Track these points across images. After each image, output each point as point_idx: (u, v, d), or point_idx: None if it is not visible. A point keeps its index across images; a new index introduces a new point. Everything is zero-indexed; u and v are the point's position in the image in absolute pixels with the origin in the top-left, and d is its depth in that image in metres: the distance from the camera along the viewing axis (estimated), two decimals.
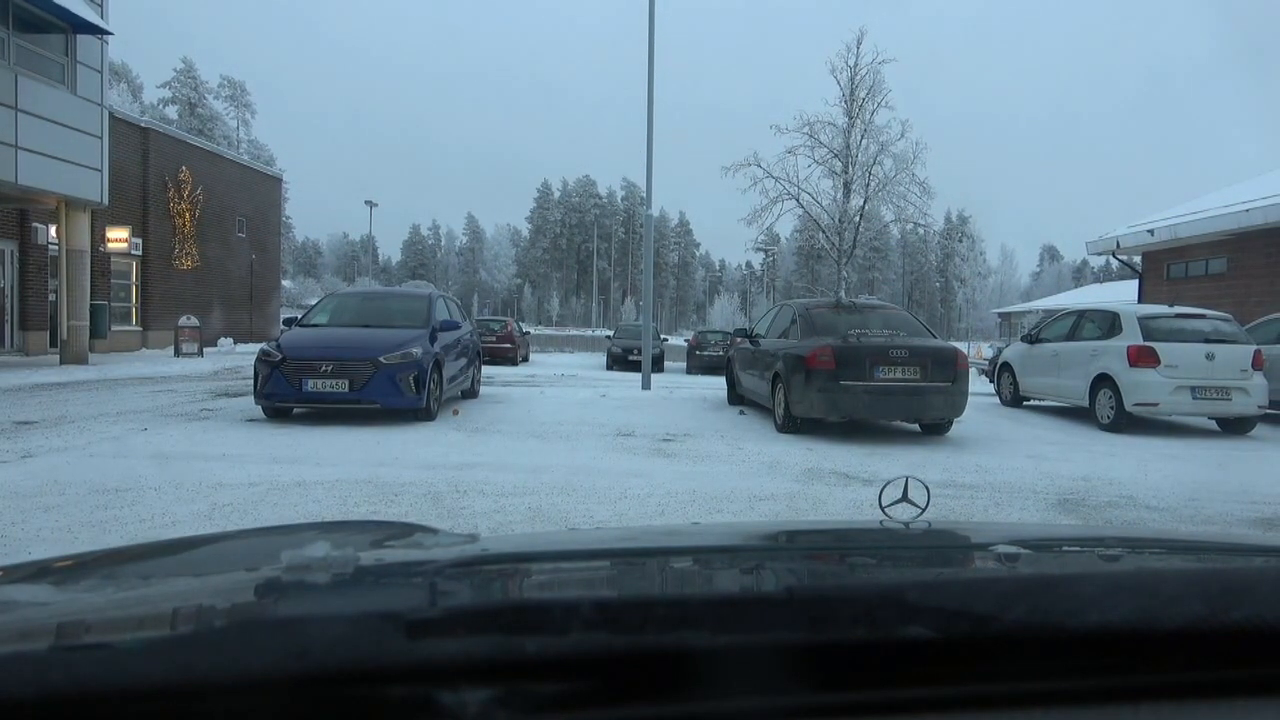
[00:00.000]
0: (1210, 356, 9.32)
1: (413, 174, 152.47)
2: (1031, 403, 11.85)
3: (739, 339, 11.52)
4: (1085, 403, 10.08)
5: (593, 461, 6.72)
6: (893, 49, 28.25)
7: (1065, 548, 1.13)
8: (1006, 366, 12.19)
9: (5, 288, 18.41)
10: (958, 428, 9.01)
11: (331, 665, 0.54)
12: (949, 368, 8.40)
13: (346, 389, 8.33)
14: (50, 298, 18.83)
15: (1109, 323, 10.18)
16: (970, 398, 8.90)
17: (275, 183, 32.87)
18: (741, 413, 10.38)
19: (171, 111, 66.79)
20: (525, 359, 26.62)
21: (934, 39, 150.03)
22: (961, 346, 12.64)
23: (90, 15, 15.01)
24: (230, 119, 72.22)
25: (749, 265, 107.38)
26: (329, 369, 8.32)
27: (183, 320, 20.27)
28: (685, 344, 29.03)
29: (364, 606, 0.68)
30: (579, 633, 0.59)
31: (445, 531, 1.05)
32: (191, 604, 0.80)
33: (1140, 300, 18.13)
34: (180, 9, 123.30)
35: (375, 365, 8.37)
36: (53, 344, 17.99)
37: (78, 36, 15.16)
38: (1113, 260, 22.92)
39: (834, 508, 5.40)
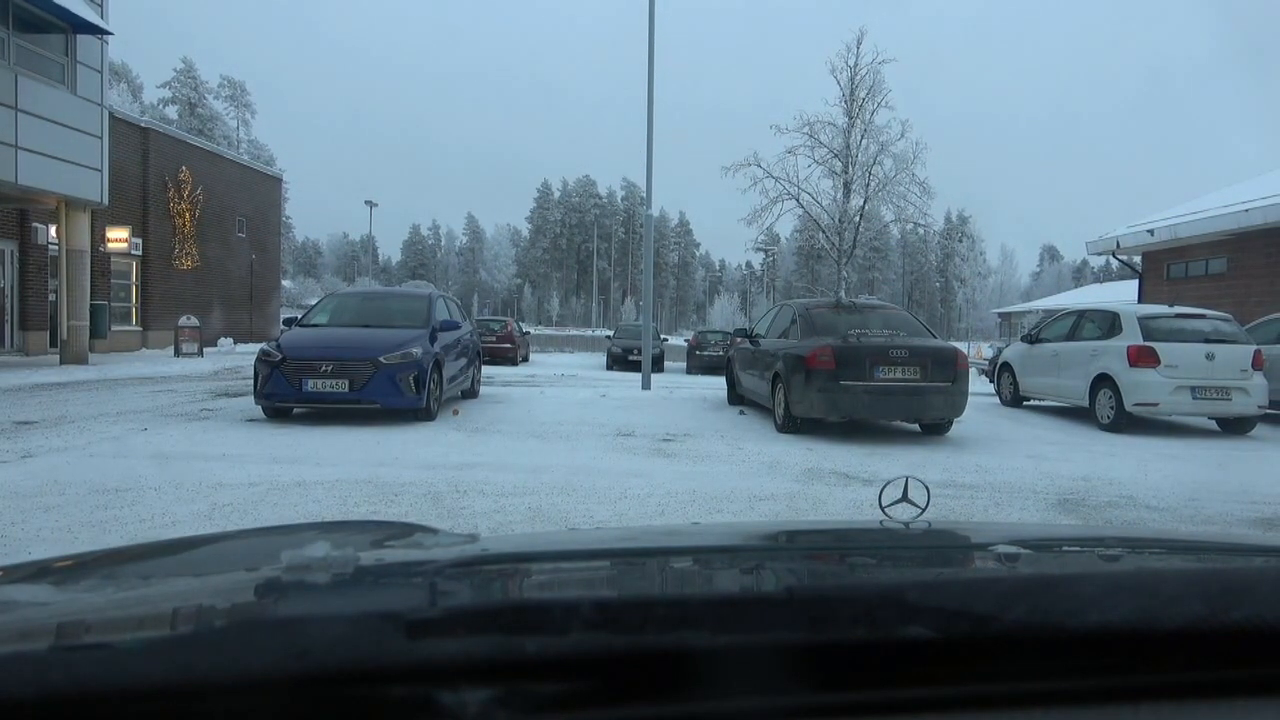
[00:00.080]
0: (1210, 356, 9.32)
1: (413, 174, 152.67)
2: (1031, 403, 11.85)
3: (739, 339, 11.52)
4: (1085, 403, 10.08)
5: (593, 461, 6.72)
6: (893, 49, 28.30)
7: (1065, 548, 1.13)
8: (1006, 366, 12.19)
9: (5, 288, 18.41)
10: (958, 428, 9.01)
11: (331, 665, 0.54)
12: (949, 368, 8.40)
13: (346, 389, 8.33)
14: (50, 298, 18.83)
15: (1109, 323, 10.18)
16: (970, 398, 8.90)
17: (275, 183, 32.87)
18: (741, 413, 10.38)
19: (171, 111, 66.80)
20: (525, 359, 26.62)
21: (934, 39, 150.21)
22: (961, 346, 12.64)
23: (90, 15, 15.01)
24: (230, 119, 72.27)
25: (749, 265, 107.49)
26: (329, 369, 8.32)
27: (183, 320, 20.27)
28: (685, 344, 29.03)
29: (364, 606, 0.68)
30: (579, 633, 0.59)
31: (445, 531, 1.05)
32: (191, 604, 0.80)
33: (1140, 300, 18.13)
34: (180, 9, 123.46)
35: (375, 365, 8.37)
36: (53, 344, 17.99)
37: (78, 36, 15.16)
38: (1113, 260, 22.92)
39: (834, 508, 5.40)
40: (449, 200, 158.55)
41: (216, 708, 0.52)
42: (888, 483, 1.22)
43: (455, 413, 9.52)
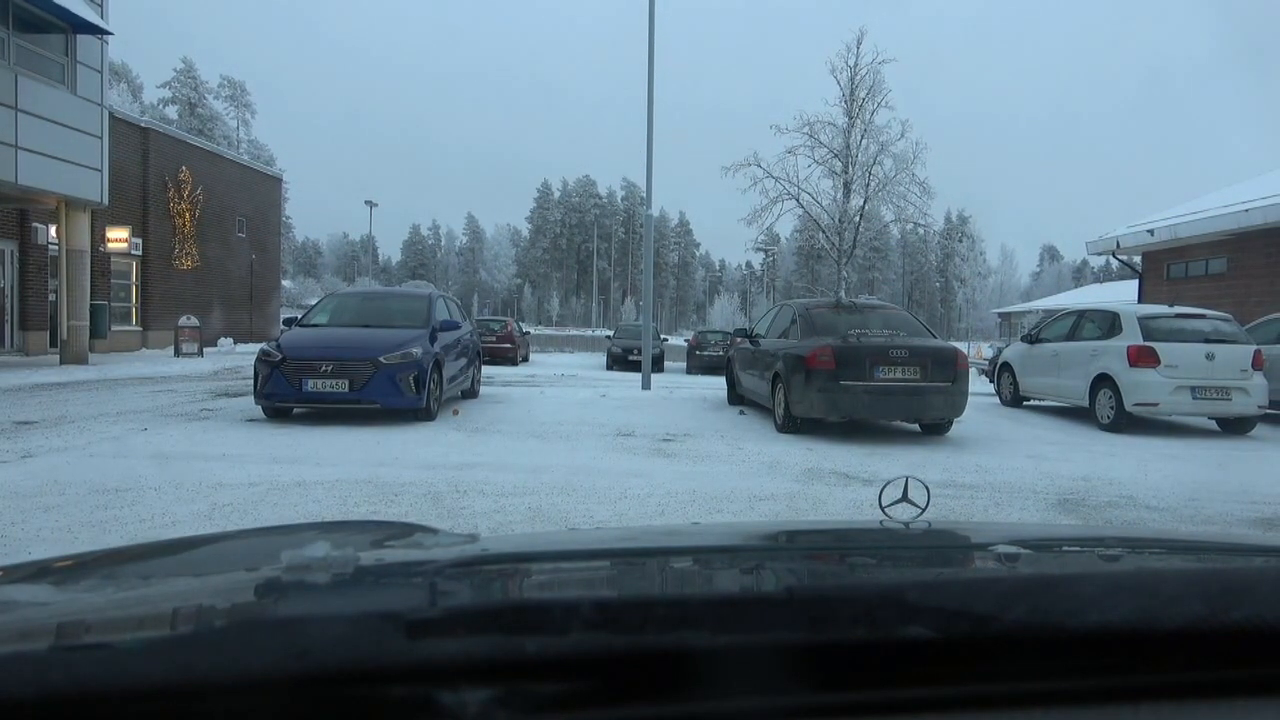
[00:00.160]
0: (1210, 356, 9.32)
1: (413, 174, 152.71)
2: (1031, 403, 11.85)
3: (739, 339, 11.52)
4: (1085, 403, 10.08)
5: (593, 461, 6.72)
6: (893, 49, 28.28)
7: (1065, 548, 1.13)
8: (1006, 366, 12.19)
9: (5, 288, 18.41)
10: (958, 428, 9.01)
11: (331, 665, 0.54)
12: (949, 368, 8.40)
13: (346, 389, 8.33)
14: (50, 298, 18.83)
15: (1109, 323, 10.18)
16: (970, 398, 8.90)
17: (275, 183, 32.88)
18: (741, 413, 10.38)
19: (171, 111, 66.80)
20: (525, 359, 26.62)
21: (934, 39, 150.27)
22: (961, 346, 12.64)
23: (90, 15, 15.01)
24: (230, 119, 72.27)
25: (749, 265, 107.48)
26: (329, 369, 8.32)
27: (183, 320, 20.27)
28: (685, 344, 29.03)
29: (364, 606, 0.68)
30: (579, 633, 0.59)
31: (445, 531, 1.05)
32: (191, 604, 0.80)
33: (1140, 300, 18.13)
34: (180, 9, 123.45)
35: (375, 365, 8.37)
36: (53, 344, 18.00)
37: (78, 36, 15.16)
38: (1113, 260, 22.92)
39: (834, 508, 5.40)
40: (449, 200, 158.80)
41: (216, 708, 0.52)
42: (888, 483, 1.22)
43: (455, 413, 9.52)
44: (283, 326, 10.08)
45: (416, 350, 8.67)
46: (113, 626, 0.71)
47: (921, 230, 48.93)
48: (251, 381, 8.84)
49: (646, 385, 14.04)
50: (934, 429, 8.92)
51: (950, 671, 0.60)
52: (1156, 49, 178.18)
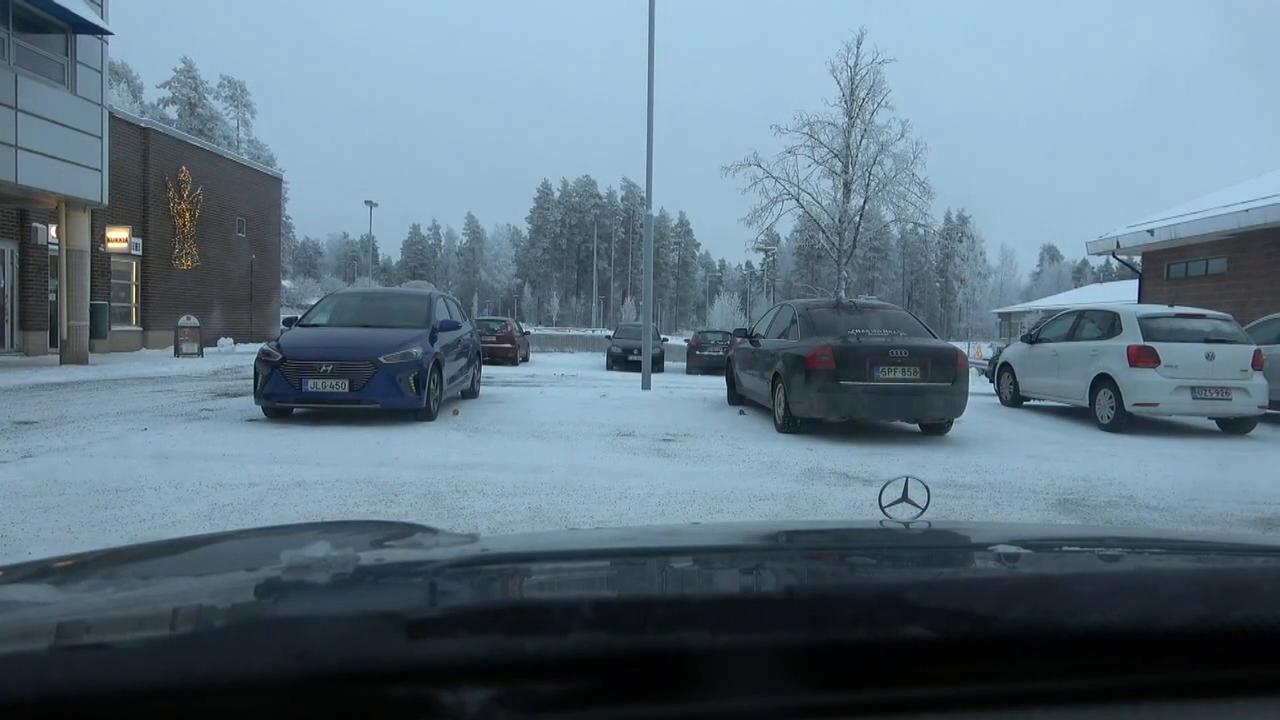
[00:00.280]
0: (1210, 356, 9.32)
1: (413, 174, 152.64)
2: (1031, 403, 11.85)
3: (739, 339, 11.52)
4: (1085, 403, 10.08)
5: (593, 461, 6.72)
6: (893, 49, 28.28)
7: (1065, 548, 1.13)
8: (1006, 366, 12.19)
9: (5, 288, 18.41)
10: (958, 428, 9.01)
11: (331, 665, 0.54)
12: (949, 368, 8.40)
13: (346, 389, 8.33)
14: (50, 298, 18.83)
15: (1109, 323, 10.18)
16: (970, 398, 8.90)
17: (275, 183, 32.87)
18: (741, 413, 10.38)
19: (171, 111, 66.79)
20: (525, 359, 26.62)
21: (934, 39, 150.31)
22: (961, 346, 12.64)
23: (90, 15, 15.01)
24: (230, 119, 72.26)
25: (749, 265, 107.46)
26: (329, 369, 8.32)
27: (183, 320, 20.27)
28: (685, 344, 29.03)
29: (364, 606, 0.68)
30: (579, 633, 0.59)
31: (445, 531, 1.05)
32: (191, 604, 0.80)
33: (1140, 300, 18.13)
34: (180, 9, 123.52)
35: (375, 365, 8.37)
36: (53, 344, 18.00)
37: (78, 36, 15.16)
38: (1113, 260, 22.92)
39: (834, 508, 5.40)
40: (449, 200, 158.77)
41: (216, 708, 0.52)
42: (888, 483, 1.22)
43: (455, 413, 9.52)
44: (283, 326, 10.07)
45: (416, 350, 8.67)
46: (113, 626, 0.71)
47: (921, 230, 48.89)
48: (251, 381, 8.84)
49: (646, 385, 14.04)
50: (934, 429, 8.92)
51: (950, 671, 0.60)
52: (1156, 49, 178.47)
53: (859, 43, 19.85)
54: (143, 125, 23.80)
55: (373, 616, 0.62)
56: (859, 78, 19.81)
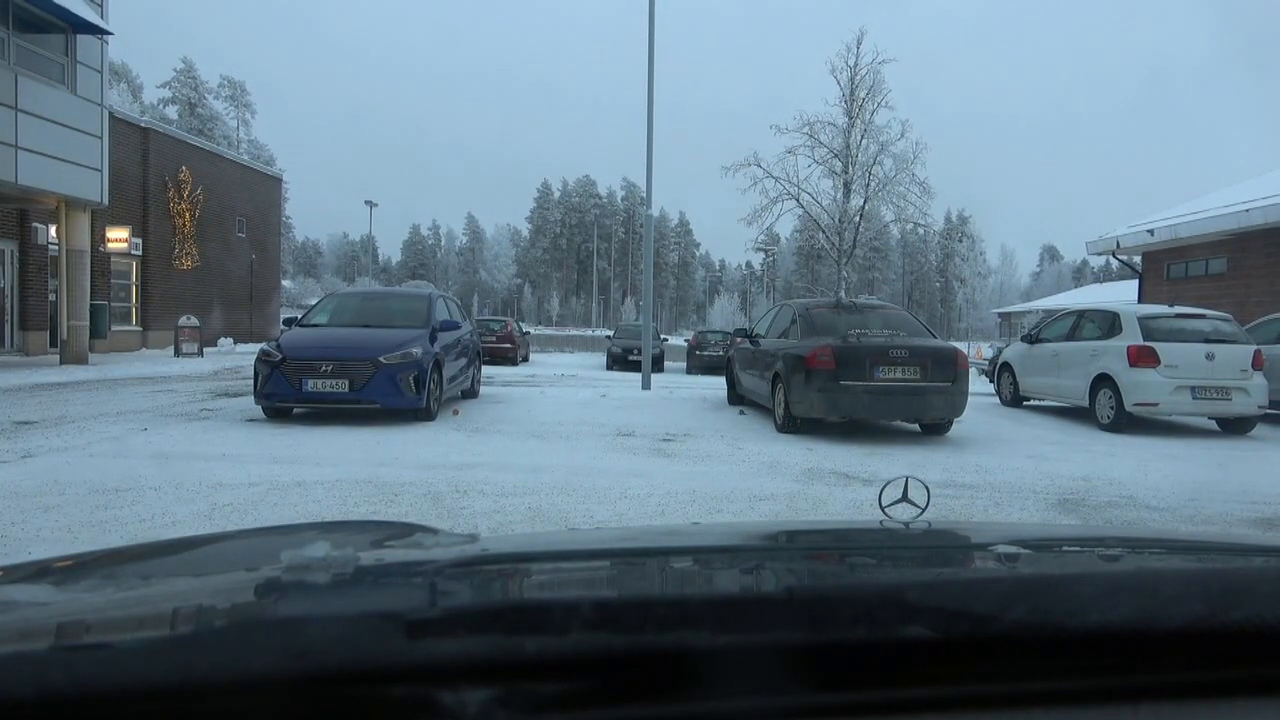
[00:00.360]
0: (1210, 356, 9.32)
1: (413, 174, 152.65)
2: (1031, 403, 11.85)
3: (739, 339, 11.52)
4: (1085, 403, 10.08)
5: (593, 461, 6.72)
6: (893, 49, 28.30)
7: (1065, 548, 1.13)
8: (1006, 366, 12.19)
9: (5, 288, 18.41)
10: (958, 428, 9.01)
11: (331, 665, 0.54)
12: (949, 368, 8.40)
13: (346, 389, 8.33)
14: (50, 298, 18.83)
15: (1109, 323, 10.18)
16: (970, 398, 8.90)
17: (275, 183, 32.87)
18: (741, 413, 10.38)
19: (171, 111, 66.79)
20: (525, 359, 26.62)
21: (934, 39, 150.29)
22: (961, 346, 12.64)
23: (90, 15, 15.01)
24: (230, 119, 72.25)
25: (749, 265, 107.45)
26: (329, 369, 8.32)
27: (183, 320, 20.27)
28: (685, 344, 29.03)
29: (364, 606, 0.68)
30: (579, 633, 0.59)
31: (445, 531, 1.05)
32: (191, 604, 0.80)
33: (1140, 300, 18.13)
34: (180, 9, 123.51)
35: (375, 365, 8.37)
36: (53, 344, 18.00)
37: (78, 36, 15.16)
38: (1113, 260, 22.92)
39: (834, 508, 5.40)
40: (449, 200, 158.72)
41: (216, 708, 0.52)
42: (888, 483, 1.22)
43: (455, 413, 9.52)
44: (283, 326, 10.07)
45: (416, 350, 8.67)
46: (113, 626, 0.71)
47: (921, 230, 48.89)
48: (251, 381, 8.84)
49: (646, 385, 14.04)
50: (934, 429, 8.92)
51: (950, 671, 0.60)
52: (1156, 49, 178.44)
53: (859, 43, 19.88)
54: (143, 125, 23.80)
55: (373, 616, 0.62)
56: (859, 78, 19.83)
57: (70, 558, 1.03)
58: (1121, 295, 28.55)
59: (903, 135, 19.67)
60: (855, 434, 8.68)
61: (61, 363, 15.60)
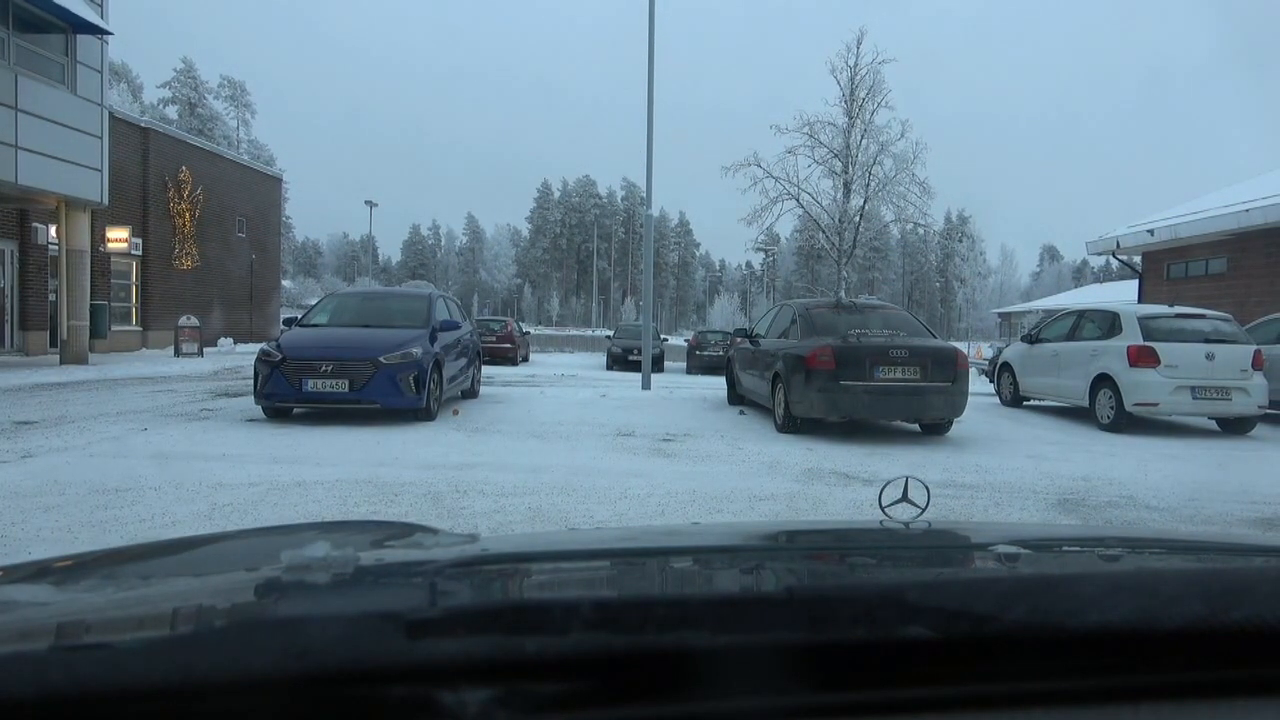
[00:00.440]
0: (1210, 356, 9.32)
1: (413, 174, 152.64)
2: (1031, 403, 11.85)
3: (739, 339, 11.52)
4: (1085, 403, 10.08)
5: (593, 461, 6.72)
6: (893, 49, 28.29)
7: (1065, 548, 1.13)
8: (1006, 366, 12.19)
9: (5, 288, 18.41)
10: (958, 428, 9.01)
11: (331, 665, 0.54)
12: (949, 368, 8.40)
13: (346, 389, 8.33)
14: (50, 298, 18.83)
15: (1109, 323, 10.18)
16: (970, 398, 8.90)
17: (275, 183, 32.87)
18: (741, 413, 10.38)
19: (171, 111, 66.79)
20: (525, 359, 26.62)
21: (934, 39, 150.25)
22: (961, 346, 12.64)
23: (90, 15, 15.01)
24: (230, 119, 72.25)
25: (749, 265, 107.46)
26: (329, 369, 8.32)
27: (183, 320, 20.27)
28: (685, 344, 29.03)
29: (364, 606, 0.68)
30: (579, 633, 0.59)
31: (445, 531, 1.05)
32: (191, 604, 0.80)
33: (1140, 300, 18.13)
34: (180, 9, 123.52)
35: (375, 365, 8.37)
36: (53, 344, 18.00)
37: (78, 36, 15.16)
38: (1113, 260, 22.92)
39: (834, 508, 5.40)
40: (449, 200, 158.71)
41: (216, 708, 0.52)
42: (888, 483, 1.22)
43: (455, 413, 9.52)
44: (283, 326, 10.07)
45: (416, 350, 8.67)
46: (113, 626, 0.71)
47: (921, 230, 48.90)
48: (251, 381, 8.84)
49: (646, 385, 14.04)
50: (934, 429, 8.92)
51: (950, 671, 0.60)
52: (1156, 49, 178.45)
53: (859, 43, 19.88)
54: (143, 125, 23.81)
55: (373, 616, 0.62)
56: (859, 78, 19.83)
57: (70, 558, 1.03)
58: (1121, 295, 28.55)
59: (903, 135, 19.70)
60: (855, 434, 8.68)
61: (61, 363, 15.60)
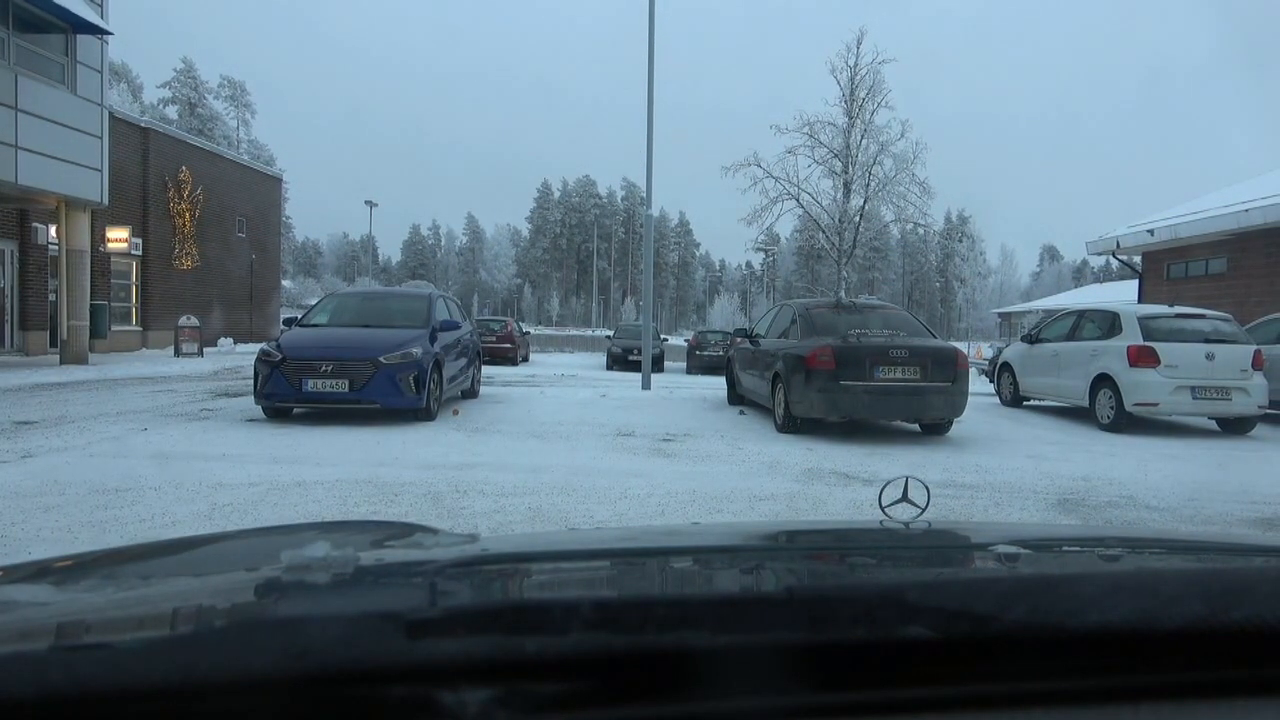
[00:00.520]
0: (1210, 356, 9.32)
1: (413, 174, 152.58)
2: (1031, 403, 11.85)
3: (739, 339, 11.52)
4: (1085, 403, 10.07)
5: (593, 461, 6.72)
6: (893, 49, 28.32)
7: (1065, 548, 1.13)
8: (1006, 366, 12.19)
9: (5, 288, 18.41)
10: (958, 428, 9.00)
11: (331, 665, 0.54)
12: (949, 368, 8.40)
13: (346, 389, 8.33)
14: (50, 298, 18.83)
15: (1109, 323, 10.18)
16: (970, 398, 8.90)
17: (275, 183, 32.87)
18: (741, 413, 10.38)
19: (171, 111, 66.78)
20: (525, 359, 26.62)
21: (934, 39, 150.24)
22: (961, 346, 12.64)
23: (90, 15, 15.01)
24: (230, 119, 72.24)
25: (749, 265, 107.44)
26: (329, 369, 8.32)
27: (183, 320, 20.27)
28: (685, 344, 29.02)
29: (364, 606, 0.68)
30: (579, 633, 0.59)
31: (445, 531, 1.05)
32: (191, 604, 0.80)
33: (1140, 300, 18.13)
34: (180, 9, 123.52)
35: (375, 365, 8.37)
36: (53, 344, 17.99)
37: (78, 36, 15.16)
38: (1113, 260, 22.92)
39: (834, 508, 5.39)
40: (449, 200, 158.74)
41: (216, 708, 0.52)
42: (888, 483, 1.22)
43: (455, 413, 9.52)
44: (283, 326, 10.07)
45: (416, 350, 8.67)
46: (113, 626, 0.71)
47: (921, 230, 48.90)
48: (251, 381, 8.84)
49: (646, 385, 14.03)
50: (934, 429, 8.92)
51: (950, 671, 0.60)
52: (1156, 49, 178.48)
53: (859, 43, 19.90)
54: (143, 125, 23.80)
55: (373, 616, 0.62)
56: (859, 78, 19.84)
57: (70, 558, 1.03)
58: (1121, 295, 28.55)
59: (903, 135, 19.71)
60: (855, 434, 8.67)
61: (61, 363, 15.60)
